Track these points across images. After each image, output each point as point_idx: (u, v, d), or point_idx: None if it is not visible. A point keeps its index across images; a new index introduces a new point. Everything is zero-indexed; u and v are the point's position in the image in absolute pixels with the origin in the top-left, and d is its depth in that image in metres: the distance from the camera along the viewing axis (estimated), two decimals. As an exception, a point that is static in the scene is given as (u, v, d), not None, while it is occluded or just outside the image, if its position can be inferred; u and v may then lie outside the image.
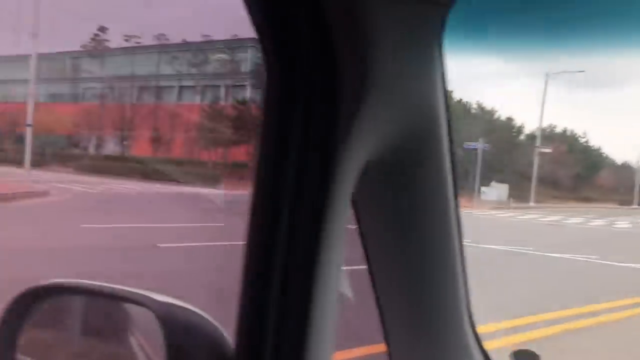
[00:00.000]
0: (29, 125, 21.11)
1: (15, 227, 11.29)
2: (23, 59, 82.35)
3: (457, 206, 0.99)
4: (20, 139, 62.92)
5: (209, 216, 16.70)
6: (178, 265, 8.00)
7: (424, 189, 0.94)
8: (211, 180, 38.10)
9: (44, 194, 20.33)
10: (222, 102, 58.17)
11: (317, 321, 0.77)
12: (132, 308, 1.12)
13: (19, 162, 45.30)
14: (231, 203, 23.69)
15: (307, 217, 0.77)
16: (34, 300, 1.17)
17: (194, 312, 0.94)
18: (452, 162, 0.95)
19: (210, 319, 0.90)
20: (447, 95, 0.87)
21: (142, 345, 1.13)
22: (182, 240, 10.42)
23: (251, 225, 0.82)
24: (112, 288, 1.11)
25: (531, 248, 13.04)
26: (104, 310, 1.20)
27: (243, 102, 53.76)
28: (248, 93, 64.99)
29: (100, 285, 1.12)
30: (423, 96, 0.83)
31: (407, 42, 0.78)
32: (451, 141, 0.93)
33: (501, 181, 41.10)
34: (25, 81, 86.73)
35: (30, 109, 21.33)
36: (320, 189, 0.76)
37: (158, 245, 9.65)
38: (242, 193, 29.13)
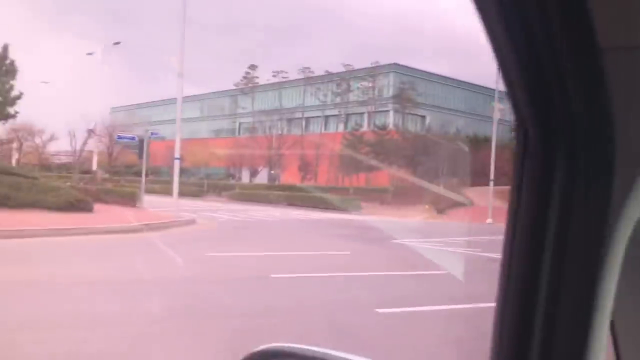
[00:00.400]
0: (177, 158, 22.96)
1: (132, 256, 11.80)
2: (188, 99, 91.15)
3: None
4: (184, 173, 69.61)
5: (337, 243, 16.45)
6: (278, 300, 7.73)
7: None
8: (351, 206, 38.48)
9: (190, 222, 21.86)
10: (363, 129, 58.86)
11: None
12: None
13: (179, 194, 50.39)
14: (366, 229, 23.40)
15: (573, 274, 0.76)
16: None
17: None
18: None
19: None
20: None
21: None
22: (296, 271, 10.26)
23: (506, 276, 0.80)
24: (326, 353, 1.15)
25: None
26: None
27: (383, 128, 54.03)
28: (390, 118, 65.57)
29: (314, 351, 1.17)
30: None
31: None
32: None
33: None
34: (191, 119, 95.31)
35: (177, 144, 23.14)
36: (590, 253, 0.75)
37: (272, 275, 9.63)
38: (384, 219, 28.38)
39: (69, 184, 30.98)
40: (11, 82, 35.75)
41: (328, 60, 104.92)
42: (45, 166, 56.41)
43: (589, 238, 0.75)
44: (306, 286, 8.97)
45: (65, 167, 47.22)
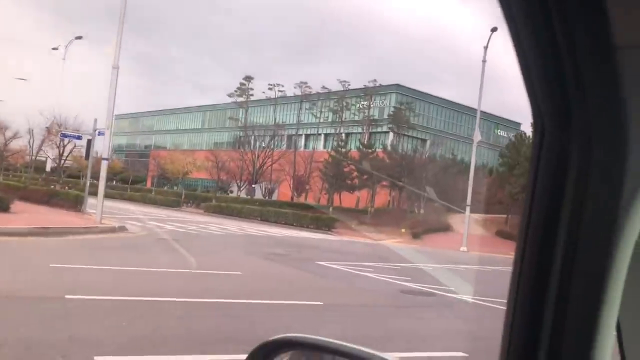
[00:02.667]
0: (105, 159, 21.10)
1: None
2: (188, 110, 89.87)
3: None
4: (166, 183, 67.67)
5: (246, 263, 14.48)
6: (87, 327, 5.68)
7: None
8: (324, 225, 36.38)
9: (113, 230, 20.08)
10: (349, 147, 56.67)
11: None
12: None
13: (154, 202, 48.65)
14: (306, 248, 21.37)
15: (585, 277, 0.78)
16: (268, 353, 1.24)
17: None
18: None
19: None
20: None
21: None
22: (115, 293, 8.14)
23: (517, 285, 0.82)
24: (343, 346, 1.15)
25: None
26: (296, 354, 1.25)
27: (369, 147, 51.83)
28: (389, 139, 63.51)
29: (329, 342, 1.18)
30: None
31: None
32: None
33: None
34: (193, 130, 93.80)
35: (106, 144, 21.26)
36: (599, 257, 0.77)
37: (67, 296, 7.51)
38: (349, 240, 26.42)
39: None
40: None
41: (334, 76, 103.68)
42: (11, 164, 54.93)
43: (600, 230, 0.76)
44: (79, 312, 6.84)
45: (41, 168, 45.51)
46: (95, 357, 4.98)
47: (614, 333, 0.83)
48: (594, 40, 0.68)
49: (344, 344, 1.17)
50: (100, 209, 20.74)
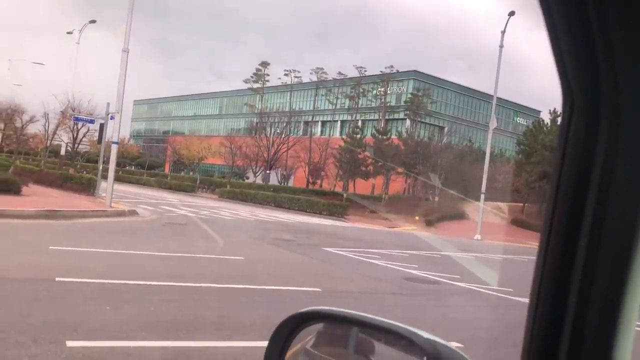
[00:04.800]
0: (115, 142, 21.07)
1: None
2: (205, 96, 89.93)
3: None
4: (183, 168, 67.89)
5: (251, 248, 14.35)
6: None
7: None
8: (337, 211, 36.16)
9: (122, 214, 19.98)
10: (365, 134, 56.11)
11: None
12: (387, 338, 1.15)
13: (171, 188, 48.84)
14: (314, 234, 21.21)
15: (606, 262, 0.77)
16: (296, 326, 1.25)
17: (456, 352, 0.98)
18: None
19: (460, 350, 0.92)
20: None
21: None
22: (107, 276, 7.98)
23: (541, 272, 0.82)
24: (370, 318, 1.16)
25: None
26: (359, 335, 1.22)
27: (384, 133, 51.28)
28: (406, 126, 62.80)
29: (357, 314, 1.18)
30: None
31: None
32: None
33: None
34: (210, 116, 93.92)
35: (117, 127, 21.18)
36: (624, 237, 0.76)
37: (57, 279, 7.38)
38: (362, 227, 26.31)
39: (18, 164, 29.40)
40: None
41: (350, 62, 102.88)
42: (31, 149, 55.23)
43: (626, 210, 0.75)
44: (64, 295, 6.71)
45: (58, 152, 45.89)
46: (67, 342, 4.83)
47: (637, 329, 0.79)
48: (625, 14, 0.68)
49: (374, 317, 1.15)
50: (110, 192, 20.74)
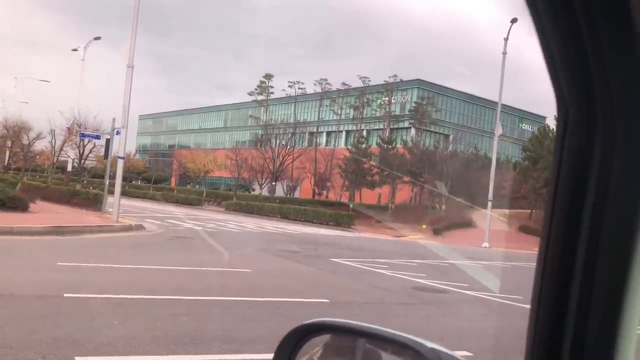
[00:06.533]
0: (120, 157, 21.15)
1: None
2: (210, 109, 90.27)
3: None
4: (188, 182, 67.99)
5: (259, 260, 14.38)
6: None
7: None
8: (343, 222, 36.12)
9: (129, 229, 20.02)
10: (370, 143, 56.13)
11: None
12: (393, 348, 1.15)
13: (176, 201, 48.94)
14: (322, 245, 21.19)
15: (603, 271, 0.78)
16: (302, 337, 1.26)
17: None
18: None
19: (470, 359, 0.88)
20: None
21: None
22: (116, 291, 7.99)
23: (541, 276, 0.83)
24: (376, 329, 1.16)
25: None
26: (365, 346, 1.22)
27: (389, 142, 51.31)
28: (411, 135, 62.79)
29: (363, 326, 1.19)
30: None
31: None
32: None
33: None
34: (215, 129, 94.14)
35: (123, 142, 21.30)
36: (622, 247, 0.77)
37: (65, 294, 7.42)
38: (369, 237, 26.24)
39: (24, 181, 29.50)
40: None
41: (354, 73, 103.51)
42: (38, 165, 55.43)
43: (623, 219, 0.76)
44: (72, 311, 6.74)
45: (65, 168, 46.21)
46: (76, 358, 4.84)
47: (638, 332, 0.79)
48: (616, 27, 0.69)
49: (379, 327, 1.16)
50: (117, 207, 20.84)
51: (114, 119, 25.76)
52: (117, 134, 24.94)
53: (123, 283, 9.06)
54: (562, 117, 0.79)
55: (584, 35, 0.71)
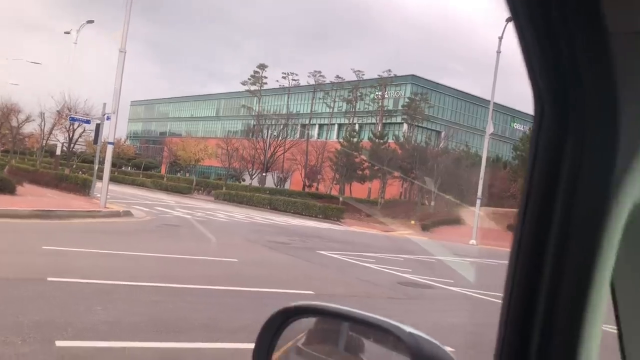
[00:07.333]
0: (110, 143, 21.01)
1: None
2: (203, 97, 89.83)
3: None
4: (179, 170, 67.65)
5: (246, 250, 14.39)
6: None
7: None
8: (332, 215, 36.14)
9: (116, 214, 19.93)
10: (362, 138, 56.12)
11: (586, 343, 0.79)
12: (376, 335, 1.18)
13: (170, 190, 48.73)
14: (310, 238, 21.22)
15: (574, 265, 0.80)
16: (287, 319, 1.27)
17: (438, 346, 1.00)
18: None
19: (451, 354, 0.95)
20: None
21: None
22: (94, 277, 7.91)
23: (515, 265, 0.83)
24: (358, 313, 1.17)
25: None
26: (349, 333, 1.25)
27: (380, 137, 51.31)
28: (403, 130, 62.77)
29: (346, 310, 1.19)
30: None
31: None
32: None
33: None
34: (207, 118, 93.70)
35: (112, 128, 21.07)
36: (591, 234, 0.79)
37: (49, 278, 7.37)
38: (357, 230, 26.32)
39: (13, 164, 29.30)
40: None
41: (348, 66, 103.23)
42: (27, 148, 54.86)
43: (589, 217, 0.77)
44: (55, 295, 6.69)
45: (54, 152, 45.81)
46: (57, 342, 4.81)
47: (602, 329, 0.81)
48: (590, 27, 0.71)
49: (362, 312, 1.16)
50: (105, 193, 20.71)
51: (104, 104, 25.55)
52: (107, 119, 24.72)
53: (107, 269, 9.02)
54: (537, 113, 0.80)
55: (559, 35, 0.72)
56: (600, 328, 0.79)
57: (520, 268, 0.81)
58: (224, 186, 49.24)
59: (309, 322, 1.31)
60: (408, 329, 1.04)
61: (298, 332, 1.29)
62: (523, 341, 0.80)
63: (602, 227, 0.77)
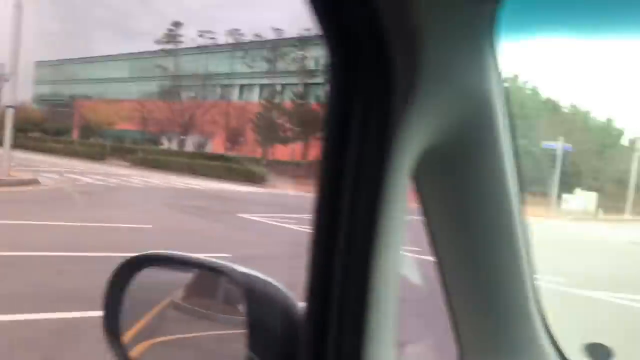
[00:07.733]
0: (9, 106, 19.51)
1: None
2: (114, 57, 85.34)
3: (521, 199, 1.04)
4: (91, 134, 64.69)
5: (164, 216, 13.93)
6: None
7: (483, 180, 1.00)
8: (255, 177, 35.88)
9: (22, 183, 18.78)
10: (282, 99, 55.71)
11: (377, 300, 0.83)
12: (216, 277, 1.22)
13: (83, 155, 46.38)
14: (229, 201, 20.99)
15: (366, 204, 0.83)
16: (133, 269, 1.26)
17: (269, 283, 1.04)
18: (516, 155, 1.01)
19: (283, 289, 1.00)
20: (502, 86, 0.94)
21: (223, 311, 1.27)
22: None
23: (316, 212, 0.87)
24: (200, 259, 1.19)
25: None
26: (194, 278, 1.28)
27: (301, 97, 51.06)
28: (324, 90, 62.46)
29: (189, 257, 1.22)
30: (477, 87, 0.90)
31: (460, 33, 0.86)
32: (513, 135, 1.00)
33: (589, 188, 35.14)
34: (120, 79, 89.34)
35: (9, 91, 19.59)
36: (378, 177, 0.82)
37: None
38: (281, 192, 26.23)
39: None
40: None
41: (269, 24, 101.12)
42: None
43: (378, 170, 0.80)
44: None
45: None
46: None
47: (391, 306, 0.84)
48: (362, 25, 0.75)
49: (211, 259, 1.15)
50: (7, 160, 19.35)
51: (1, 64, 23.55)
52: (6, 81, 22.86)
53: (6, 239, 8.41)
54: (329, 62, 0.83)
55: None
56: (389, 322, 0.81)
57: (316, 265, 0.82)
58: (140, 151, 47.47)
59: (185, 277, 1.28)
60: (241, 269, 1.06)
61: (172, 286, 1.27)
62: (320, 343, 0.81)
63: (374, 225, 0.78)
